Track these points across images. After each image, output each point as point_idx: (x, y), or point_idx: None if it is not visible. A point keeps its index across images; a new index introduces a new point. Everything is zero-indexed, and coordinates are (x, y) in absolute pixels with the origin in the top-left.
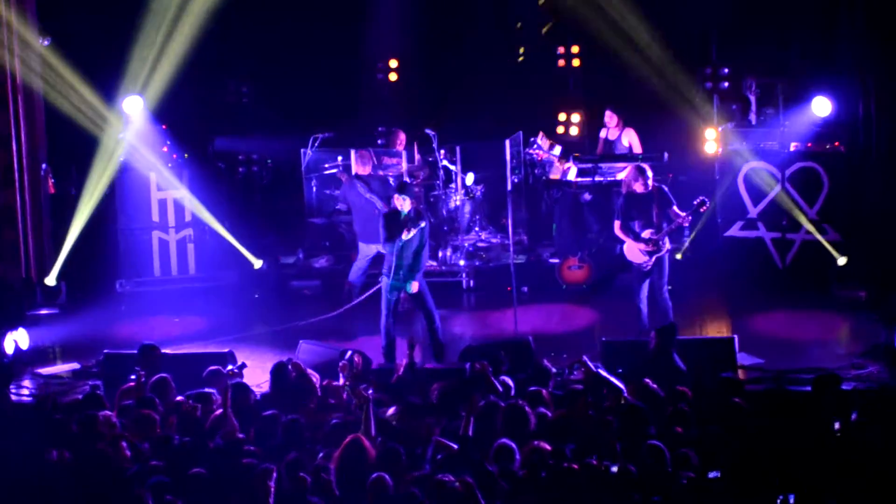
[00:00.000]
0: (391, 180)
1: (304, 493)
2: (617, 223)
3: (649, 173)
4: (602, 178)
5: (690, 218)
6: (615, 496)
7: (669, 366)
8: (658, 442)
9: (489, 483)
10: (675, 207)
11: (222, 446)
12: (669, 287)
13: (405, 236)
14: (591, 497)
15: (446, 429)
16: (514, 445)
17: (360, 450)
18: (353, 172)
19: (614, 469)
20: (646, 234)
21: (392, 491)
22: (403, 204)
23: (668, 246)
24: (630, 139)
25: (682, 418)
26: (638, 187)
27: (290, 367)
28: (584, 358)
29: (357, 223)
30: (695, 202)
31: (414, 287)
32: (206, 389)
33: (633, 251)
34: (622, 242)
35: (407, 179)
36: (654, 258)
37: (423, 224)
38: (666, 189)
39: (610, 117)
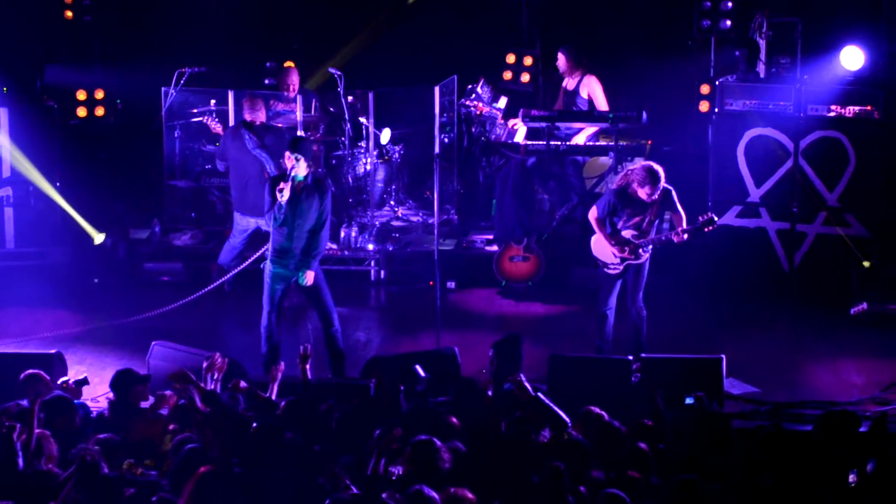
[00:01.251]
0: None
1: None
2: (594, 210)
3: (661, 181)
4: (559, 143)
5: (686, 237)
6: None
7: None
8: (619, 491)
9: None
10: (680, 216)
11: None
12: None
13: (282, 198)
14: None
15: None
16: (434, 495)
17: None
18: (242, 119)
19: None
20: (626, 233)
21: None
22: (297, 165)
23: (647, 255)
24: (590, 90)
25: (640, 461)
26: (641, 193)
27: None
28: (521, 377)
29: (234, 187)
30: (701, 219)
31: (308, 278)
32: (23, 402)
33: (603, 248)
34: (591, 232)
35: (301, 133)
36: (625, 265)
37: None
38: (673, 194)
39: (562, 61)
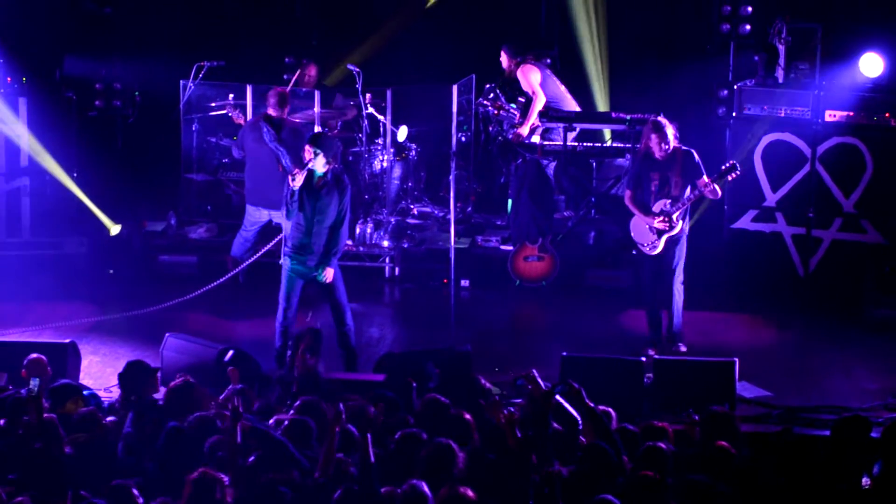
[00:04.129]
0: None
1: None
2: (628, 193)
3: (669, 131)
4: (577, 143)
5: (716, 187)
6: None
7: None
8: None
9: None
10: (704, 178)
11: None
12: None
13: (294, 183)
14: None
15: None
16: (427, 491)
17: (212, 490)
18: (265, 113)
19: None
20: (657, 206)
21: None
22: (314, 159)
23: (682, 225)
24: (522, 77)
25: (658, 462)
26: (653, 146)
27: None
28: (534, 372)
29: (249, 178)
30: (723, 166)
31: (328, 275)
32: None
33: (640, 228)
34: (628, 224)
35: (318, 129)
36: (663, 238)
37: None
38: (695, 155)
39: (503, 59)
